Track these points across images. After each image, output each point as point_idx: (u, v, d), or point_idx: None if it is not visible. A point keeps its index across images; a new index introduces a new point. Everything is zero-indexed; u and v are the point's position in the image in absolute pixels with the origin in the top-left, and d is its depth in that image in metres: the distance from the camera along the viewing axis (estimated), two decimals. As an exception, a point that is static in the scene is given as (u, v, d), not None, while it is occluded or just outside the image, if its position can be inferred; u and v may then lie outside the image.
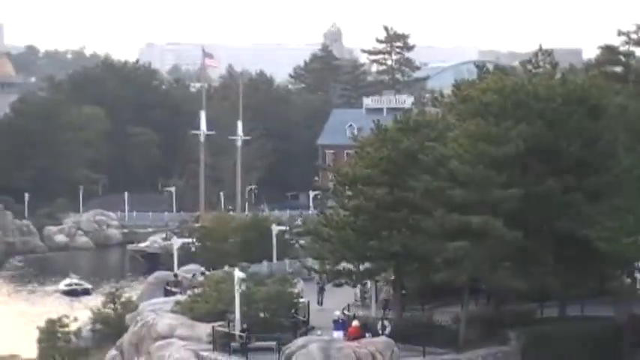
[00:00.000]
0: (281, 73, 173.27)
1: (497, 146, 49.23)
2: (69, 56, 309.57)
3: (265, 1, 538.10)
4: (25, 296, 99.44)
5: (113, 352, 59.51)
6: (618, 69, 67.91)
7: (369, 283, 58.51)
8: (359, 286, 58.81)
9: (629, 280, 55.21)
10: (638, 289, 57.54)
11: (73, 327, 67.96)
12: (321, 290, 61.43)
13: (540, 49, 71.82)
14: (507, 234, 46.92)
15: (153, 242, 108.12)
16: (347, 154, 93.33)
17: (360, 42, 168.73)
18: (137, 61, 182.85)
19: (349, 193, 56.42)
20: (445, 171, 49.08)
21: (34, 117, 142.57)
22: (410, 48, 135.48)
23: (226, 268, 65.49)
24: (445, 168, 49.10)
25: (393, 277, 55.75)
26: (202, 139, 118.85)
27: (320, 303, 60.87)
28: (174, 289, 67.80)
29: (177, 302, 60.40)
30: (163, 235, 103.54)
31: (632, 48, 67.66)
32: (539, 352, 49.62)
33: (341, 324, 50.05)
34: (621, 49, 67.89)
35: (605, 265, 50.33)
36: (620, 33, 67.09)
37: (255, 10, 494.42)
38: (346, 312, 54.82)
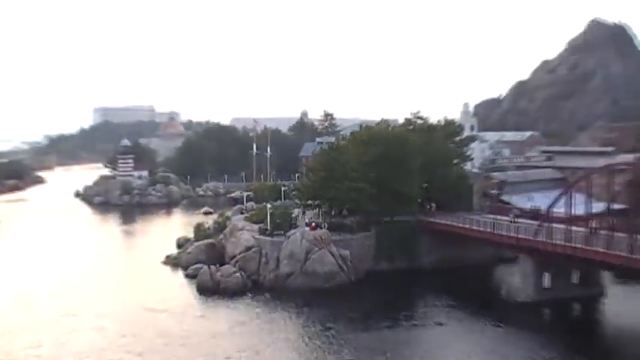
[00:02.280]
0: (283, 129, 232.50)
1: (366, 156, 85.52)
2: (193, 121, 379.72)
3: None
4: (188, 214, 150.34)
5: (221, 235, 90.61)
6: (410, 126, 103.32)
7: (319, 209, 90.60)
8: (317, 209, 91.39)
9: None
10: (427, 209, 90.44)
11: (207, 225, 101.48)
12: (303, 212, 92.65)
13: (382, 119, 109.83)
14: (370, 190, 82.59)
15: (236, 194, 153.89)
16: (309, 159, 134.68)
17: (316, 115, 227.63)
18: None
19: (310, 174, 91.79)
20: (348, 166, 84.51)
21: (194, 147, 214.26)
22: (333, 118, 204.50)
23: (264, 203, 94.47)
24: (348, 165, 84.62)
25: (328, 206, 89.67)
26: (254, 154, 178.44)
27: (302, 216, 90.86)
28: (244, 212, 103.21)
29: (246, 216, 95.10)
30: (240, 191, 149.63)
31: (415, 119, 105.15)
32: (383, 236, 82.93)
33: (308, 224, 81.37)
34: (412, 119, 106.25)
35: (407, 199, 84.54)
36: (411, 113, 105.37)
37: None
38: (311, 219, 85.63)
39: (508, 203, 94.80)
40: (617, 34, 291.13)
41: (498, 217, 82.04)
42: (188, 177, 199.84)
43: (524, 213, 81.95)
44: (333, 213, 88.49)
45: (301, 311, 65.89)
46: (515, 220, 77.95)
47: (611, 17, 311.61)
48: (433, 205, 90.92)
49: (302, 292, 71.10)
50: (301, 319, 63.85)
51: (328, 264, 75.04)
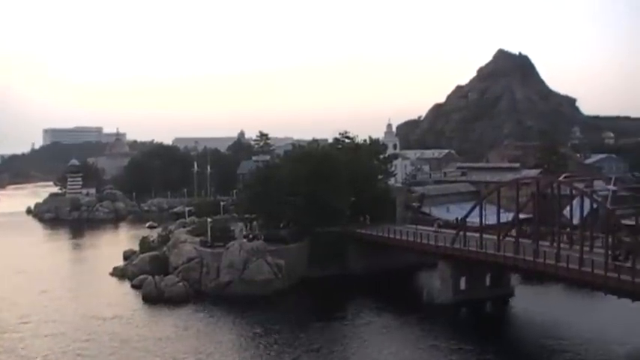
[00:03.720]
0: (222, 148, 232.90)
1: (299, 173, 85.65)
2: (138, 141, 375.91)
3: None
4: (134, 228, 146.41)
5: (165, 247, 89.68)
6: (339, 145, 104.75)
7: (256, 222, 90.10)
8: (254, 222, 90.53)
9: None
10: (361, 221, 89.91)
11: (152, 238, 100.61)
12: (244, 225, 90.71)
13: (313, 139, 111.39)
14: (303, 204, 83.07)
15: (179, 209, 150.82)
16: (246, 176, 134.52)
17: (252, 135, 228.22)
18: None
19: (247, 190, 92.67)
20: (282, 182, 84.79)
21: (139, 166, 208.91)
22: (268, 138, 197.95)
23: (205, 218, 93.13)
24: (282, 181, 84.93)
25: (265, 219, 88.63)
26: (195, 172, 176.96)
27: (243, 229, 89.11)
28: (186, 226, 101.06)
29: (188, 230, 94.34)
30: (182, 207, 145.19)
31: (343, 139, 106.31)
32: (315, 245, 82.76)
33: (246, 235, 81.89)
34: (340, 138, 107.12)
35: (336, 212, 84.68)
36: (339, 133, 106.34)
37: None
38: (248, 232, 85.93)
39: (428, 214, 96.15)
40: (520, 62, 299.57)
41: (419, 227, 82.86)
42: (134, 194, 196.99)
43: (447, 224, 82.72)
44: (269, 225, 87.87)
45: (241, 316, 65.58)
46: (440, 230, 78.80)
47: (515, 48, 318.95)
48: (367, 217, 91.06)
49: (241, 299, 70.87)
50: (241, 323, 63.59)
51: (265, 272, 74.97)
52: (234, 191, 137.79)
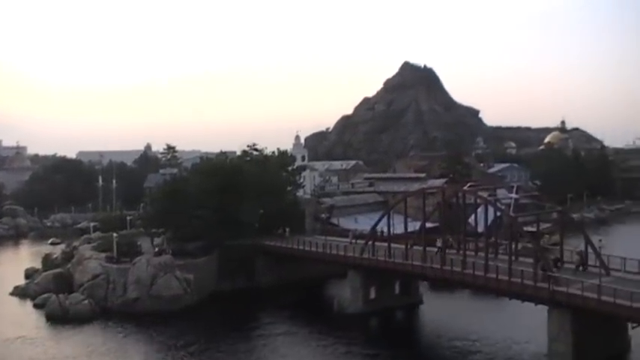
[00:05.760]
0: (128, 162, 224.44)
1: (207, 186, 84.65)
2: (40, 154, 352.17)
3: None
4: (37, 245, 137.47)
5: (69, 264, 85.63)
6: (247, 158, 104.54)
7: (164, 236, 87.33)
8: (162, 236, 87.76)
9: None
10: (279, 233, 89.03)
11: (55, 255, 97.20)
12: (152, 238, 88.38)
13: (221, 151, 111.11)
14: (211, 217, 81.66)
15: (83, 224, 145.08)
16: (153, 190, 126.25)
17: (159, 148, 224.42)
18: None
19: (154, 203, 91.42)
20: (190, 195, 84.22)
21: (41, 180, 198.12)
22: (175, 151, 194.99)
23: (111, 233, 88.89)
24: (190, 194, 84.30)
25: (173, 233, 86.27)
26: (100, 186, 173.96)
27: (151, 244, 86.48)
28: (91, 242, 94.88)
29: (93, 245, 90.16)
30: (87, 222, 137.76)
31: (251, 151, 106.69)
32: (224, 259, 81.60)
33: (157, 251, 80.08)
34: (248, 150, 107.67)
35: (245, 224, 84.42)
36: (247, 145, 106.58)
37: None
38: (156, 246, 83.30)
39: (337, 225, 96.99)
40: (426, 75, 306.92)
41: (329, 237, 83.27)
42: (36, 209, 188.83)
43: (362, 234, 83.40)
44: (177, 239, 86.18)
45: (149, 333, 64.02)
46: (355, 240, 78.94)
47: (420, 60, 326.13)
48: (287, 229, 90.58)
49: (149, 316, 69.21)
50: (150, 340, 62.17)
51: (173, 288, 73.70)
52: (141, 205, 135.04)
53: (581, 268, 56.23)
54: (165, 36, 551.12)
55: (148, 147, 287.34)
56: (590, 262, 56.60)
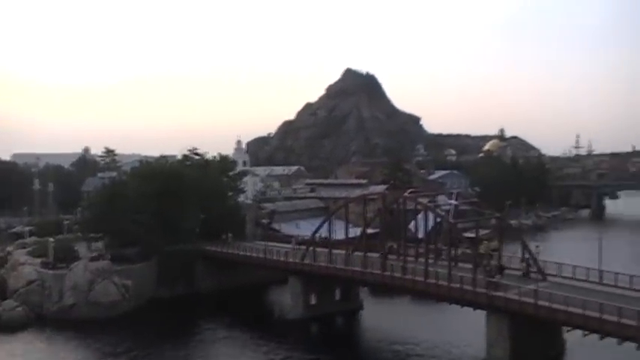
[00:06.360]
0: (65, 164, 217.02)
1: (146, 190, 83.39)
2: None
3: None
4: None
5: (3, 270, 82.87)
6: (188, 162, 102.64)
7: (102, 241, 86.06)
8: (100, 241, 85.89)
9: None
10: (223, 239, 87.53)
11: None
12: (90, 244, 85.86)
13: (161, 155, 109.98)
14: (150, 222, 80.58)
15: (18, 229, 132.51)
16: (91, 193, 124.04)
17: (98, 151, 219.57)
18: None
19: (92, 208, 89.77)
20: (129, 200, 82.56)
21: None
22: (114, 154, 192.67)
23: (46, 237, 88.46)
24: (129, 199, 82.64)
25: (111, 238, 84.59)
26: (36, 189, 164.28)
27: (87, 249, 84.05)
28: (26, 247, 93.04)
29: (28, 250, 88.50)
30: (22, 226, 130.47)
31: (192, 155, 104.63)
32: (163, 265, 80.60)
33: (95, 256, 77.71)
34: (189, 155, 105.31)
35: (184, 229, 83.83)
36: (188, 150, 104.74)
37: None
38: (94, 251, 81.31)
39: (278, 231, 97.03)
40: (368, 82, 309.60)
41: (270, 243, 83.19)
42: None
43: (305, 240, 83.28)
44: (115, 244, 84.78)
45: (86, 340, 62.60)
46: (298, 247, 78.45)
47: (362, 67, 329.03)
48: (230, 235, 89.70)
49: (86, 323, 67.88)
50: (87, 348, 60.76)
51: (111, 294, 72.61)
52: (79, 209, 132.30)
53: (526, 275, 57.10)
54: (105, 37, 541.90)
55: (86, 150, 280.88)
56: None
